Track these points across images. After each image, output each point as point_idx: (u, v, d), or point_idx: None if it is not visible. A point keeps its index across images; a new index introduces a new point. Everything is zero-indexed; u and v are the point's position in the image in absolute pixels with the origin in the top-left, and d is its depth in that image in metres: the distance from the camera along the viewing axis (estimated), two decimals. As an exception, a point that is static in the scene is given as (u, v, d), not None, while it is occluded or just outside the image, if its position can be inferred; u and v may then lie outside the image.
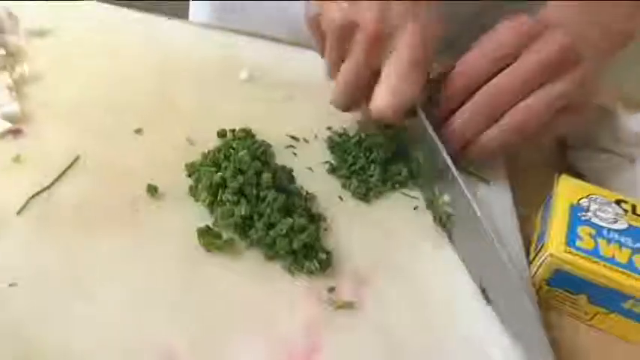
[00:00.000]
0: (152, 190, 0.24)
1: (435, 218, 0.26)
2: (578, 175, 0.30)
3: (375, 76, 0.26)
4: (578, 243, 0.23)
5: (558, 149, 0.32)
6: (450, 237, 0.26)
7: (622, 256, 0.22)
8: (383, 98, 0.25)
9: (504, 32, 0.26)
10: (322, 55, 0.29)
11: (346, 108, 0.29)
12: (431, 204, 0.27)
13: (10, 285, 0.19)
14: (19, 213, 0.21)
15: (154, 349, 0.18)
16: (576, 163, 0.31)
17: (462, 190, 0.24)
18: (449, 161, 0.25)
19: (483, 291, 0.23)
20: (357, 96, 0.28)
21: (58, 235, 0.21)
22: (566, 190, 0.26)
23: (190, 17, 0.49)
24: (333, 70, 0.28)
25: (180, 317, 0.20)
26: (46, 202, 0.22)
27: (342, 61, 0.27)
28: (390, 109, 0.25)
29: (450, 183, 0.25)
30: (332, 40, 0.27)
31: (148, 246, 0.22)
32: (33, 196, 0.22)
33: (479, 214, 0.23)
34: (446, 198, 0.26)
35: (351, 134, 0.29)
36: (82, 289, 0.20)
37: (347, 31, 0.26)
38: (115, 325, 0.19)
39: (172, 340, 0.19)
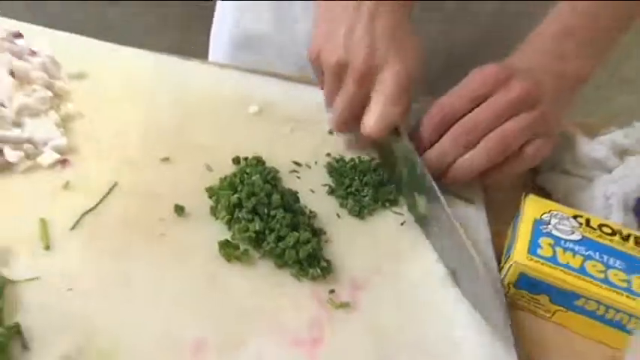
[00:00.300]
0: (179, 210, 0.28)
1: (415, 218, 0.31)
2: (547, 194, 0.35)
3: (364, 103, 0.31)
4: (539, 251, 0.27)
5: (529, 173, 0.36)
6: (427, 235, 0.31)
7: (575, 262, 0.27)
8: (371, 120, 0.31)
9: (477, 78, 0.31)
10: (321, 87, 0.34)
11: (341, 130, 0.35)
12: (412, 207, 0.32)
13: (69, 290, 0.23)
14: (72, 229, 0.26)
15: (185, 341, 0.22)
16: (544, 185, 0.35)
17: (437, 195, 0.29)
18: (429, 177, 0.29)
19: (454, 275, 0.28)
20: (350, 121, 0.33)
21: (104, 248, 0.25)
22: (532, 207, 0.30)
23: (210, 55, 0.55)
24: (330, 100, 0.34)
25: (205, 315, 0.24)
26: (93, 221, 0.26)
27: (337, 92, 0.33)
28: (377, 129, 0.31)
29: (427, 190, 0.30)
30: (328, 76, 0.32)
31: (177, 257, 0.26)
32: (82, 215, 0.26)
33: (450, 213, 0.28)
34: (423, 202, 0.30)
35: (347, 160, 0.34)
36: (126, 293, 0.24)
37: (341, 68, 0.31)
38: (153, 321, 0.23)
39: (200, 334, 0.23)
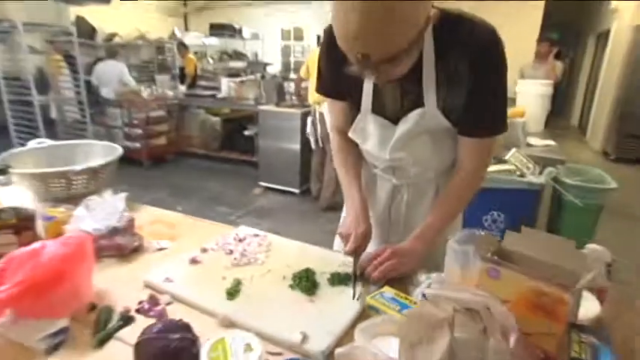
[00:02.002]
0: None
1: (353, 296, 0.95)
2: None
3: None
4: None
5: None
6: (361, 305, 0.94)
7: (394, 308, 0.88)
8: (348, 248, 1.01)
9: (380, 251, 0.99)
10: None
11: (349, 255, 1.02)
12: (354, 291, 0.96)
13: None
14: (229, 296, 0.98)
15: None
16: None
17: (360, 287, 0.94)
18: (356, 282, 0.96)
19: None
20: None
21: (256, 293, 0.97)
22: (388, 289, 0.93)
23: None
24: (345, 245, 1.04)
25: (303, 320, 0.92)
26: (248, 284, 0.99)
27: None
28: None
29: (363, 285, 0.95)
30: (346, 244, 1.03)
31: (271, 289, 0.96)
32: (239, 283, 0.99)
33: (359, 292, 0.92)
34: (359, 289, 0.95)
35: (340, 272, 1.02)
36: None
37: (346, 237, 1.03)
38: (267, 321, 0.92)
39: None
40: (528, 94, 3.59)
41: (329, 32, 0.94)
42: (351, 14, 0.69)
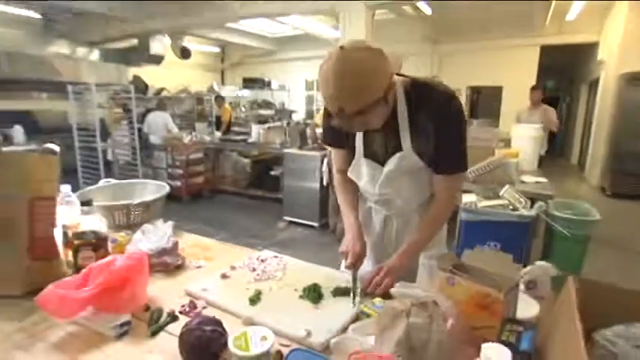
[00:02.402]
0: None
1: (352, 301, 1.08)
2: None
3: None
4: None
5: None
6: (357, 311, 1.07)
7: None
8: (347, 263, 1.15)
9: (377, 271, 1.14)
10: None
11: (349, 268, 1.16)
12: (353, 299, 1.09)
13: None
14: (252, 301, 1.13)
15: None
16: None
17: (358, 297, 1.08)
18: (355, 290, 1.09)
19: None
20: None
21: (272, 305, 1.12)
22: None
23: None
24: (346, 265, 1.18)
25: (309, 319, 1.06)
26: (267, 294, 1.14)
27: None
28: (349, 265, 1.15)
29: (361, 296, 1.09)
30: (346, 259, 1.17)
31: (284, 298, 1.10)
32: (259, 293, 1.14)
33: (357, 301, 1.06)
34: (358, 298, 1.08)
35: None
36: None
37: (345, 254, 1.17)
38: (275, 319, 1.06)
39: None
40: (522, 137, 3.71)
41: None
42: (330, 82, 0.90)
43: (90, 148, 5.57)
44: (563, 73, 11.41)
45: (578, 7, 6.18)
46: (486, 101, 10.09)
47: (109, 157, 6.19)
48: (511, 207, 2.77)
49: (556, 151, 11.67)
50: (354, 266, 1.13)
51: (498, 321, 0.74)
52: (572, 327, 0.57)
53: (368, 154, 1.20)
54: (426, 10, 6.90)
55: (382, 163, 1.17)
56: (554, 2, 5.94)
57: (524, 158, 3.59)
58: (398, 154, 1.12)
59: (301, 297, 1.11)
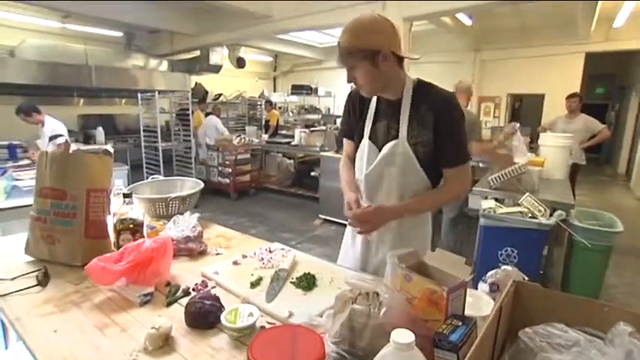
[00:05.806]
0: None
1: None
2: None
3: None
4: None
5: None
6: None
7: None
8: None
9: (367, 207, 1.26)
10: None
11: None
12: None
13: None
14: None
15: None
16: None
17: None
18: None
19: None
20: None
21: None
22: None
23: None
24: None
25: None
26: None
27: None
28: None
29: None
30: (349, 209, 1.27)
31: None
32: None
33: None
34: None
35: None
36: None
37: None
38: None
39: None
40: (549, 147, 3.53)
41: (348, 94, 1.38)
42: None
43: (153, 148, 6.08)
44: (613, 79, 10.46)
45: (626, 13, 5.67)
46: (529, 109, 9.54)
47: (199, 155, 6.74)
48: (529, 215, 2.68)
49: (601, 159, 10.74)
50: (351, 208, 1.25)
51: (443, 315, 0.80)
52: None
53: (372, 139, 1.31)
54: (466, 21, 6.69)
55: (381, 148, 1.29)
56: (598, 10, 5.50)
57: (551, 166, 3.42)
58: (393, 141, 1.23)
59: (294, 284, 1.21)
